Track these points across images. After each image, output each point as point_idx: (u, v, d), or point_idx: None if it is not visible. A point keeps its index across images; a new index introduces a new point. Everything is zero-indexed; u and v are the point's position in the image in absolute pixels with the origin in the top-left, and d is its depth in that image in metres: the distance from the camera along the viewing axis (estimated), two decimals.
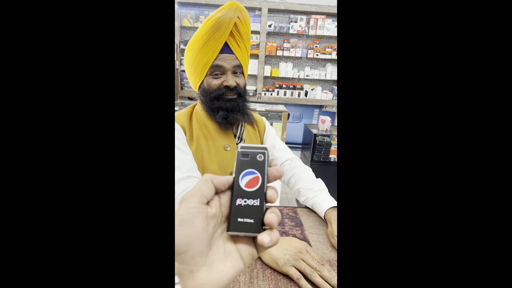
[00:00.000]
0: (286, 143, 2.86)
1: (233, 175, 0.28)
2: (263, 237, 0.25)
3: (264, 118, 0.94)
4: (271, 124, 2.22)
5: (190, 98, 2.73)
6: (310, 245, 0.59)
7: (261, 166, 0.28)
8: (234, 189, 0.28)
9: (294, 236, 0.63)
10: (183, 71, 2.63)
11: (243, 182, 0.28)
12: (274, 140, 0.91)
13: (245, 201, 0.27)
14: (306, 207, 0.76)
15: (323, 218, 0.68)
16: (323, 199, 0.70)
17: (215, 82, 0.74)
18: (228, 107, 0.74)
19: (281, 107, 2.32)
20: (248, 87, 2.69)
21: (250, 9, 2.59)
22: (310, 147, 2.35)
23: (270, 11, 2.56)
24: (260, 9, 2.52)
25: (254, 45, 2.59)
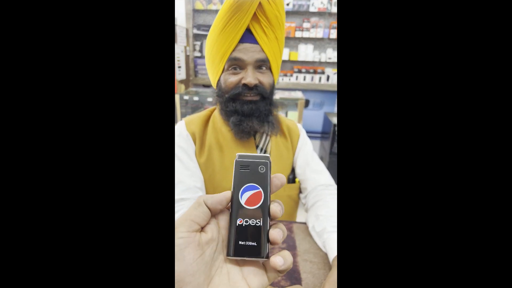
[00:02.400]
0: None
1: (232, 189, 0.25)
2: (276, 260, 0.22)
3: (300, 126, 0.74)
4: (286, 114, 2.07)
5: (206, 86, 2.64)
6: (300, 278, 0.48)
7: (263, 179, 0.25)
8: (233, 207, 0.25)
9: None
10: (197, 57, 2.53)
11: (243, 199, 0.25)
12: (308, 157, 0.70)
13: (246, 221, 0.24)
14: (305, 223, 0.64)
15: (330, 261, 0.49)
16: None
17: (232, 79, 0.58)
18: (244, 111, 0.58)
19: (298, 94, 2.15)
20: None
21: None
22: (329, 136, 2.18)
23: None
24: None
25: None
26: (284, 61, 2.54)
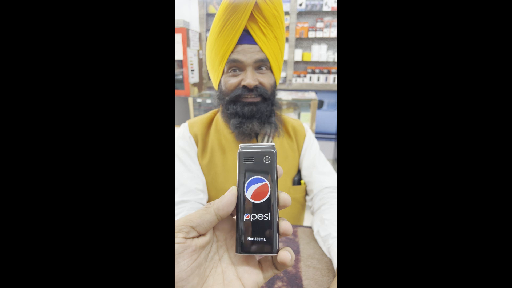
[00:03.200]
0: (319, 133, 2.66)
1: (236, 183, 0.24)
2: (285, 255, 0.22)
3: (306, 126, 0.72)
4: (299, 115, 2.04)
5: None
6: (302, 284, 0.47)
7: (269, 171, 0.24)
8: (239, 202, 0.24)
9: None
10: None
11: (249, 193, 0.24)
12: (315, 158, 0.68)
13: (253, 216, 0.23)
14: (311, 227, 0.62)
15: (334, 268, 0.48)
16: None
17: (232, 81, 0.57)
18: (245, 113, 0.58)
19: (312, 95, 2.12)
20: None
21: None
22: None
23: None
24: None
25: None
26: (297, 62, 2.52)
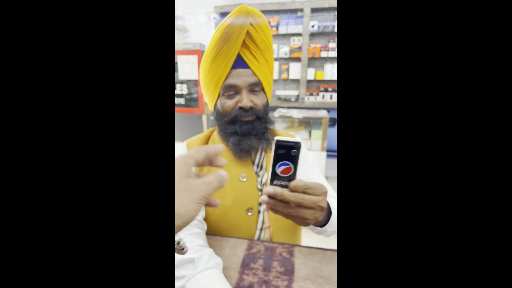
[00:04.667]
0: (331, 151, 2.63)
1: (271, 161, 0.37)
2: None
3: (301, 140, 0.78)
4: (310, 133, 2.04)
5: None
6: None
7: (294, 159, 0.37)
8: (272, 174, 0.38)
9: None
10: None
11: (279, 170, 0.37)
12: (309, 171, 0.71)
13: (279, 182, 0.38)
14: (308, 247, 0.61)
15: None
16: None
17: (229, 103, 0.62)
18: (242, 131, 0.62)
19: (323, 113, 2.12)
20: (290, 92, 2.56)
21: (292, 11, 2.47)
22: None
23: (314, 10, 2.38)
24: (302, 10, 2.38)
25: (296, 48, 2.46)
26: (309, 81, 2.55)
